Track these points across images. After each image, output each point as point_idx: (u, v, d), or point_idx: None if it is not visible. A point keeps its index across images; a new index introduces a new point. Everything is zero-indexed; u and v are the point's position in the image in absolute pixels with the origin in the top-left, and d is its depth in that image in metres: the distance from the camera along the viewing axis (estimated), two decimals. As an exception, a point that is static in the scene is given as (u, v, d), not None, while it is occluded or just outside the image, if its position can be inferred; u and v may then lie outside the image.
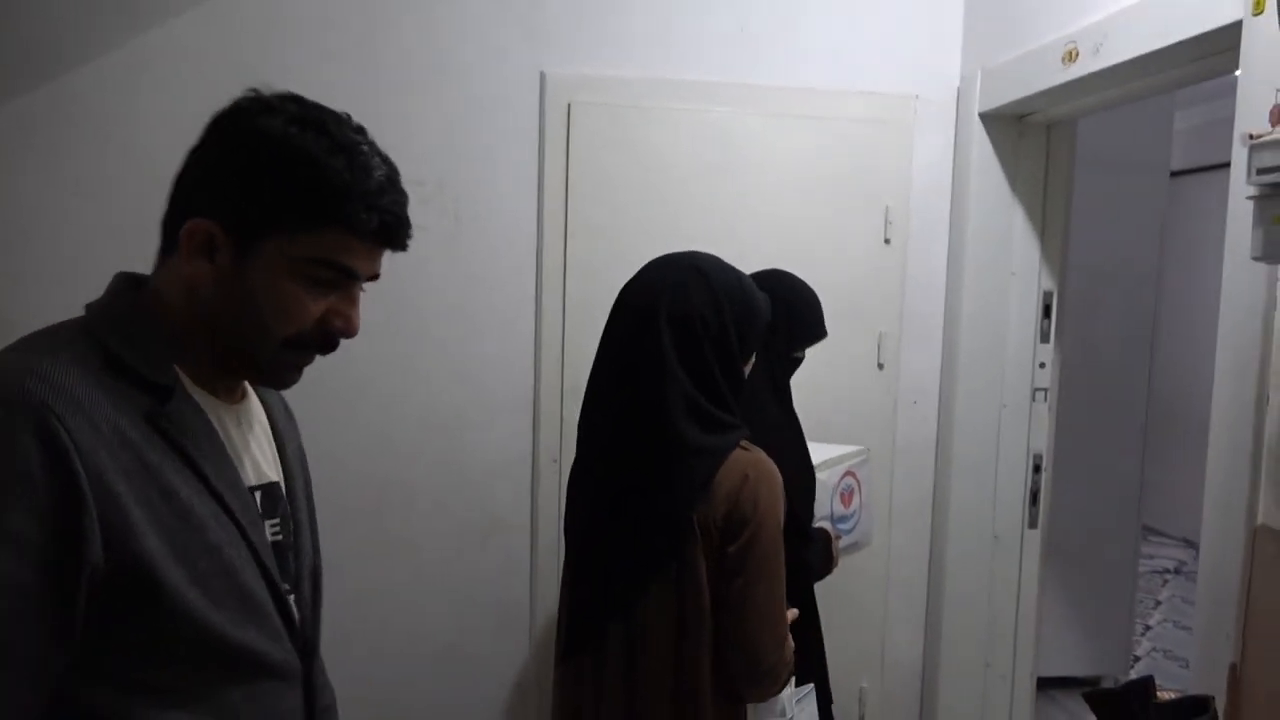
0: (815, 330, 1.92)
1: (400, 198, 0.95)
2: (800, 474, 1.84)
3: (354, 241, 0.91)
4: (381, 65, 2.27)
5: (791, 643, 1.48)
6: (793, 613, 1.57)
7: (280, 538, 1.01)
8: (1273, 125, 1.33)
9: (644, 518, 1.40)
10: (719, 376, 1.40)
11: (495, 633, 2.46)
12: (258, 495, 0.98)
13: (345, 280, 0.94)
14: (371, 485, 2.36)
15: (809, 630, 1.92)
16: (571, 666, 1.52)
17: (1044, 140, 2.48)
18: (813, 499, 1.90)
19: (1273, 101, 1.37)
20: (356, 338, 1.01)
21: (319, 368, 2.45)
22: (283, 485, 1.05)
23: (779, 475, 1.43)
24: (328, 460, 2.31)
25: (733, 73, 2.44)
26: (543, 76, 2.35)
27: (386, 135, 2.38)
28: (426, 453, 2.38)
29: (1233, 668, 1.53)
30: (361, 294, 0.98)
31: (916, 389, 2.60)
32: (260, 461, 1.01)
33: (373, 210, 0.90)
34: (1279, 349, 1.46)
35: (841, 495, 2.08)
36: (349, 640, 2.37)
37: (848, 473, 2.09)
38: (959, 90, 2.53)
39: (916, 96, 2.53)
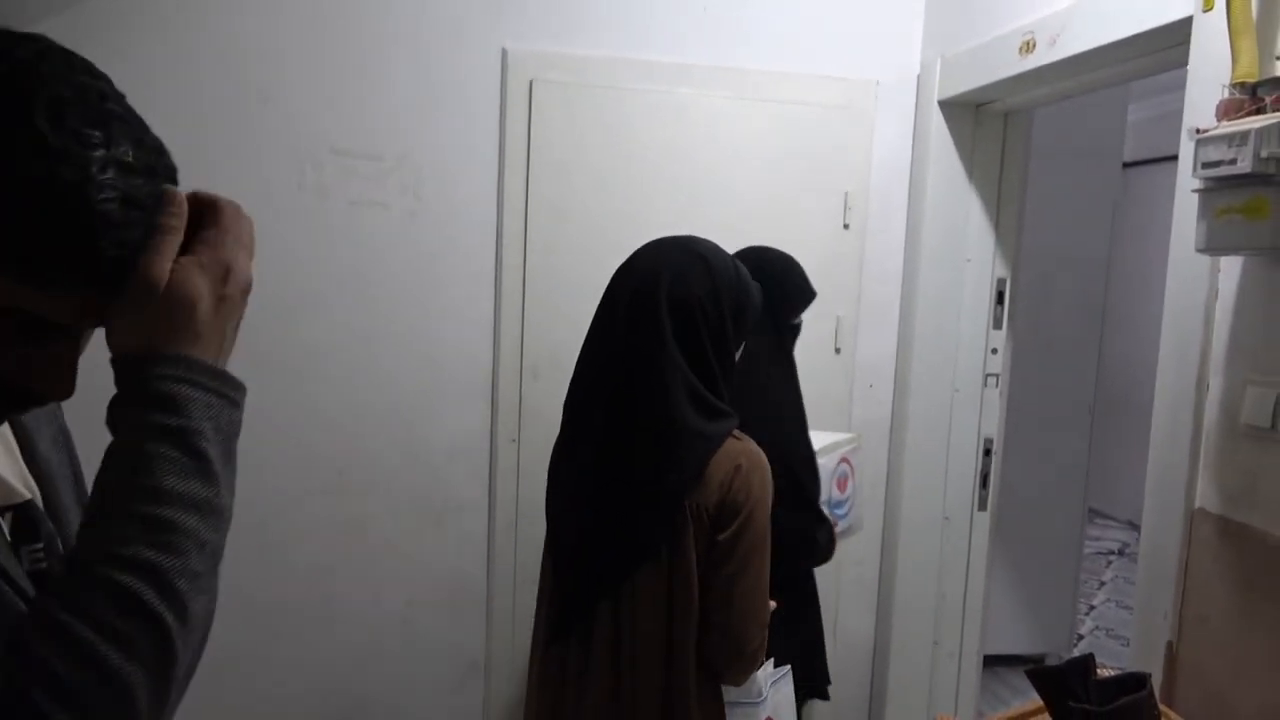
0: (806, 293, 1.96)
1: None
2: (804, 447, 1.88)
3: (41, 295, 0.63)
4: (340, 38, 2.23)
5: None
6: (771, 604, 1.57)
7: (44, 565, 0.77)
8: (1219, 120, 1.36)
9: (637, 502, 1.39)
10: (714, 363, 1.41)
11: (451, 612, 2.45)
12: (5, 520, 0.76)
13: (38, 332, 0.65)
14: (327, 464, 2.34)
15: (809, 613, 1.97)
16: (555, 653, 1.51)
17: (1001, 129, 2.51)
18: (815, 468, 1.92)
19: (1220, 97, 1.40)
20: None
21: (274, 345, 2.44)
22: (40, 502, 0.80)
23: (768, 465, 1.44)
24: (282, 438, 2.31)
25: (696, 54, 2.43)
26: (505, 53, 2.32)
27: (346, 110, 2.37)
28: (383, 431, 2.37)
29: (1169, 646, 1.58)
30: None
31: (873, 373, 2.64)
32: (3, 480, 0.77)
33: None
34: (1219, 338, 1.51)
35: (838, 481, 2.11)
36: (302, 619, 2.36)
37: (843, 459, 2.12)
38: (919, 77, 2.55)
39: (877, 82, 2.54)
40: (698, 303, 1.39)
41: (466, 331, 2.39)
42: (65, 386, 0.69)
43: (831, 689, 2.07)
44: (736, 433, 1.43)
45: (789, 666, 1.72)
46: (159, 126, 0.71)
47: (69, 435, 0.89)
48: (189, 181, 0.73)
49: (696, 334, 1.38)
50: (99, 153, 0.61)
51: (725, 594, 1.38)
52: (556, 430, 1.55)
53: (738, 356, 1.51)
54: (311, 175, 2.26)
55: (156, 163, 0.68)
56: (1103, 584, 4.86)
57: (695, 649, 1.40)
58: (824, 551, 1.96)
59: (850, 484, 2.14)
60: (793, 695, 1.71)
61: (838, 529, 2.06)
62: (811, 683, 1.99)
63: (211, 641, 0.71)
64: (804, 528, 1.88)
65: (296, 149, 2.24)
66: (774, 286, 1.81)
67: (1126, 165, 3.87)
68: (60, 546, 0.80)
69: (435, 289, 2.36)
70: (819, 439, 2.09)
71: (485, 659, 2.48)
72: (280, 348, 2.27)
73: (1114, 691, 1.33)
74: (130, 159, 0.64)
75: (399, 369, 2.36)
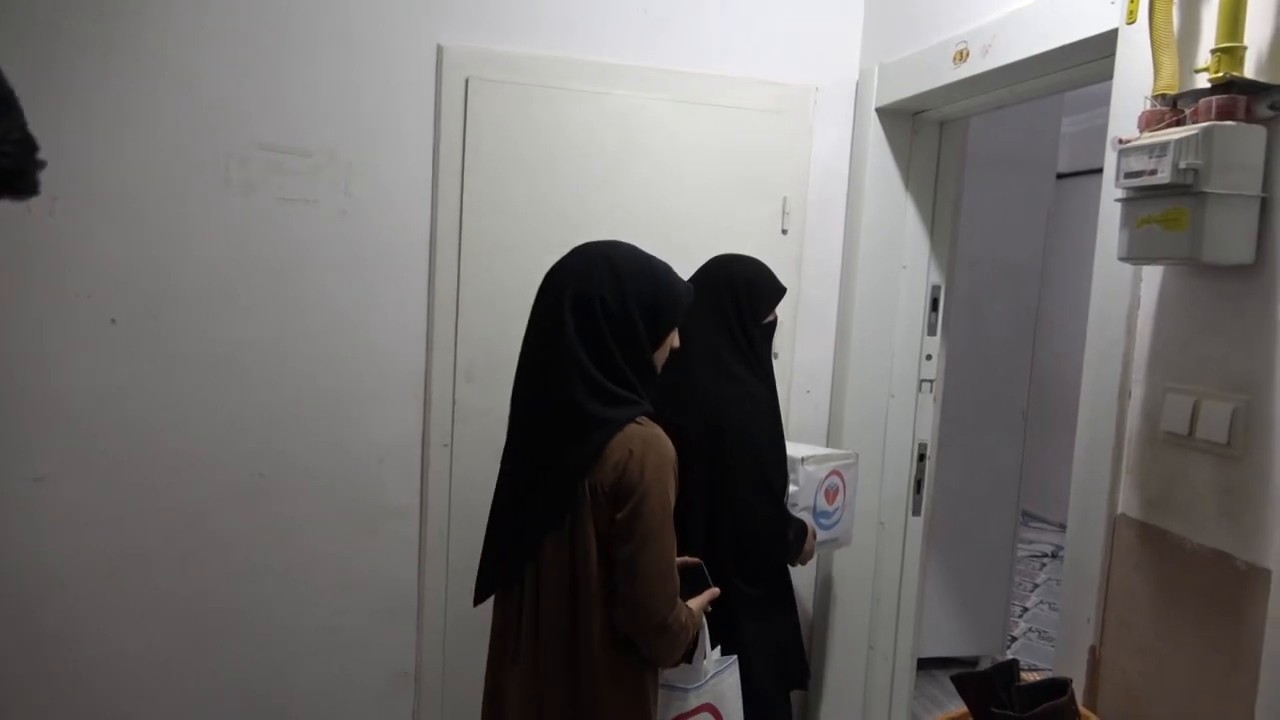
0: (775, 292, 2.06)
1: None
2: (775, 444, 1.99)
3: None
4: (268, 28, 2.17)
5: (687, 606, 1.57)
6: (714, 591, 1.70)
7: None
8: (1141, 131, 1.38)
9: (543, 481, 1.51)
10: (618, 356, 1.50)
11: (380, 619, 2.40)
12: None
13: None
14: (254, 465, 2.27)
15: (783, 607, 2.03)
16: (497, 620, 1.64)
17: (936, 137, 2.54)
18: (784, 465, 2.02)
19: (1142, 108, 1.42)
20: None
21: (198, 344, 2.37)
22: None
23: (670, 450, 1.54)
24: (209, 438, 2.23)
25: (635, 55, 2.41)
26: (440, 50, 2.28)
27: (273, 103, 2.31)
28: (313, 433, 2.30)
29: (1092, 650, 1.60)
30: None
31: (810, 378, 2.64)
32: None
33: None
34: (1141, 346, 1.53)
35: (826, 492, 2.20)
36: (226, 623, 2.29)
37: (834, 472, 2.19)
38: (857, 84, 2.56)
39: (816, 88, 2.55)
40: (598, 299, 1.49)
41: (398, 332, 2.34)
42: None
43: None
44: (642, 419, 1.52)
45: (734, 657, 1.80)
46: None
47: None
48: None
49: (598, 330, 1.49)
50: None
51: (629, 568, 1.47)
52: (491, 434, 1.69)
53: (665, 349, 1.61)
54: (236, 170, 2.18)
55: None
56: (1036, 586, 4.96)
57: (606, 622, 1.50)
58: (794, 549, 2.03)
59: (840, 497, 2.21)
60: (739, 685, 1.79)
61: (819, 538, 2.11)
62: (789, 675, 2.04)
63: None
64: (772, 521, 1.95)
65: (221, 143, 2.17)
66: (742, 290, 1.98)
67: (1060, 176, 3.95)
68: None
69: (366, 288, 2.30)
70: (814, 449, 2.19)
71: (416, 668, 2.43)
72: (204, 347, 2.20)
73: (1037, 697, 1.34)
74: None
75: (327, 370, 2.30)
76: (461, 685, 2.39)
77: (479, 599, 1.64)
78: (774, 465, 1.98)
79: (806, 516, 2.12)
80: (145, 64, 2.10)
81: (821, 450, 2.21)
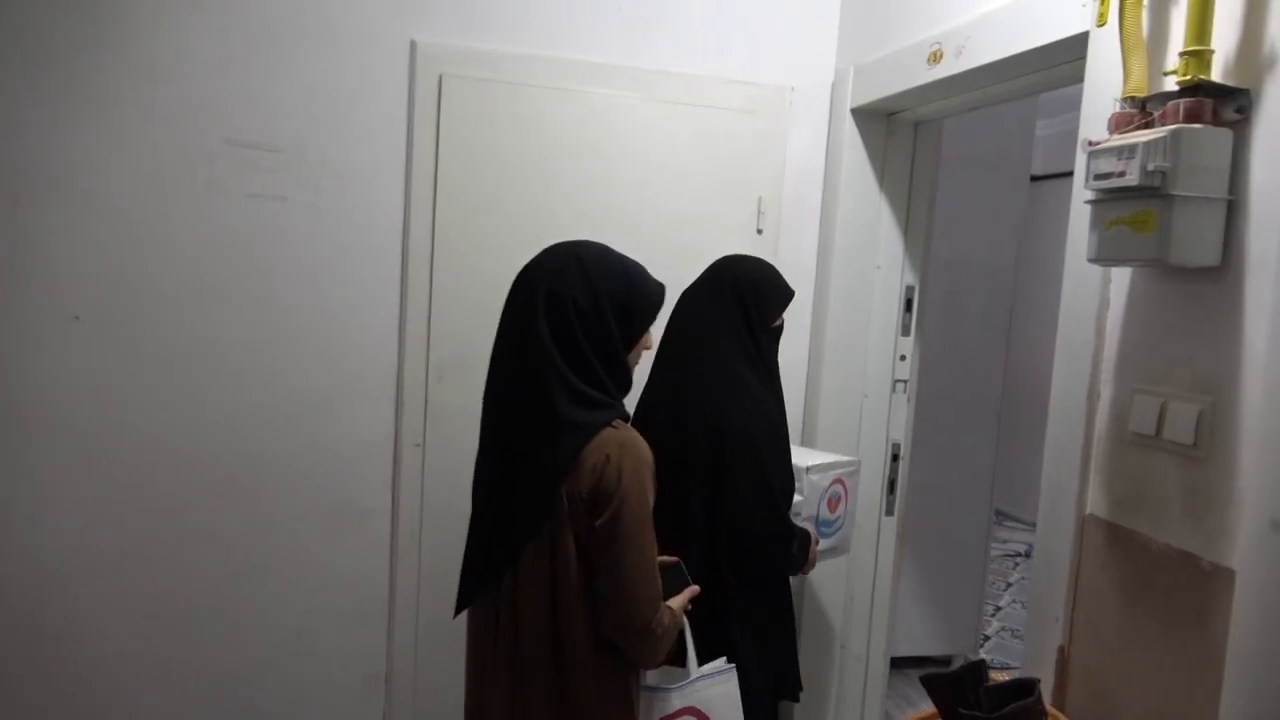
0: (783, 295, 2.03)
1: None
2: (775, 450, 1.95)
3: None
4: (239, 21, 2.14)
5: (669, 607, 1.55)
6: (693, 588, 1.67)
7: None
8: (1110, 133, 1.39)
9: (518, 488, 1.49)
10: (592, 357, 1.48)
11: (351, 621, 2.37)
12: None
13: None
14: (222, 465, 2.24)
15: (780, 616, 2.01)
16: (474, 631, 1.62)
17: (911, 138, 2.54)
18: (788, 471, 2.00)
19: (1112, 110, 1.42)
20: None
21: (165, 343, 2.34)
22: None
23: (648, 454, 1.52)
24: (177, 438, 2.20)
25: (611, 54, 2.40)
26: (413, 46, 2.26)
27: (242, 98, 2.27)
28: (283, 433, 2.27)
29: (1061, 650, 1.61)
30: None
31: (786, 378, 2.59)
32: None
33: None
34: (1110, 347, 1.54)
35: (829, 501, 2.18)
36: (196, 623, 2.26)
37: (837, 480, 2.18)
38: (833, 85, 2.57)
39: (792, 88, 2.55)
40: (571, 300, 1.47)
41: (370, 331, 2.31)
42: None
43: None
44: (617, 423, 1.51)
45: (733, 666, 1.78)
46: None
47: None
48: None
49: (571, 332, 1.47)
50: None
51: (610, 574, 1.46)
52: (463, 434, 1.66)
53: (639, 350, 1.60)
54: (204, 166, 2.15)
55: None
56: (1009, 585, 4.99)
57: (589, 625, 1.48)
58: (798, 559, 2.02)
59: (842, 506, 2.20)
60: (736, 695, 1.77)
61: (821, 546, 2.11)
62: (781, 685, 2.02)
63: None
64: (773, 527, 1.93)
65: (188, 138, 2.13)
66: (749, 294, 1.95)
67: (1034, 179, 3.97)
68: None
69: (337, 286, 2.28)
70: (818, 457, 2.19)
71: (387, 669, 2.40)
72: (172, 345, 2.17)
73: (1005, 697, 1.34)
74: None
75: (298, 369, 2.27)
76: (433, 687, 2.38)
77: (460, 609, 1.61)
78: (776, 470, 1.95)
79: (809, 526, 2.11)
80: (111, 58, 2.07)
81: (826, 458, 2.18)
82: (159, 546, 2.21)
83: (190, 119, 2.13)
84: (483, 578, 1.55)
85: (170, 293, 2.15)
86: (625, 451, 1.47)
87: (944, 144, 2.66)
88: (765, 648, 1.96)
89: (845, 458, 2.27)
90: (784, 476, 1.99)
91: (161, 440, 2.19)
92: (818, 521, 2.15)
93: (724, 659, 1.75)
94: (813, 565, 2.10)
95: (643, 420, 2.00)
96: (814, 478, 2.12)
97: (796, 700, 2.08)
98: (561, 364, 1.46)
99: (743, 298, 1.96)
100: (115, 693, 2.20)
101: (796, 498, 2.08)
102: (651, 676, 1.67)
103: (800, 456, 2.18)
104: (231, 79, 2.15)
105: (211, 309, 2.19)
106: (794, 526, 2.02)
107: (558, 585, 1.47)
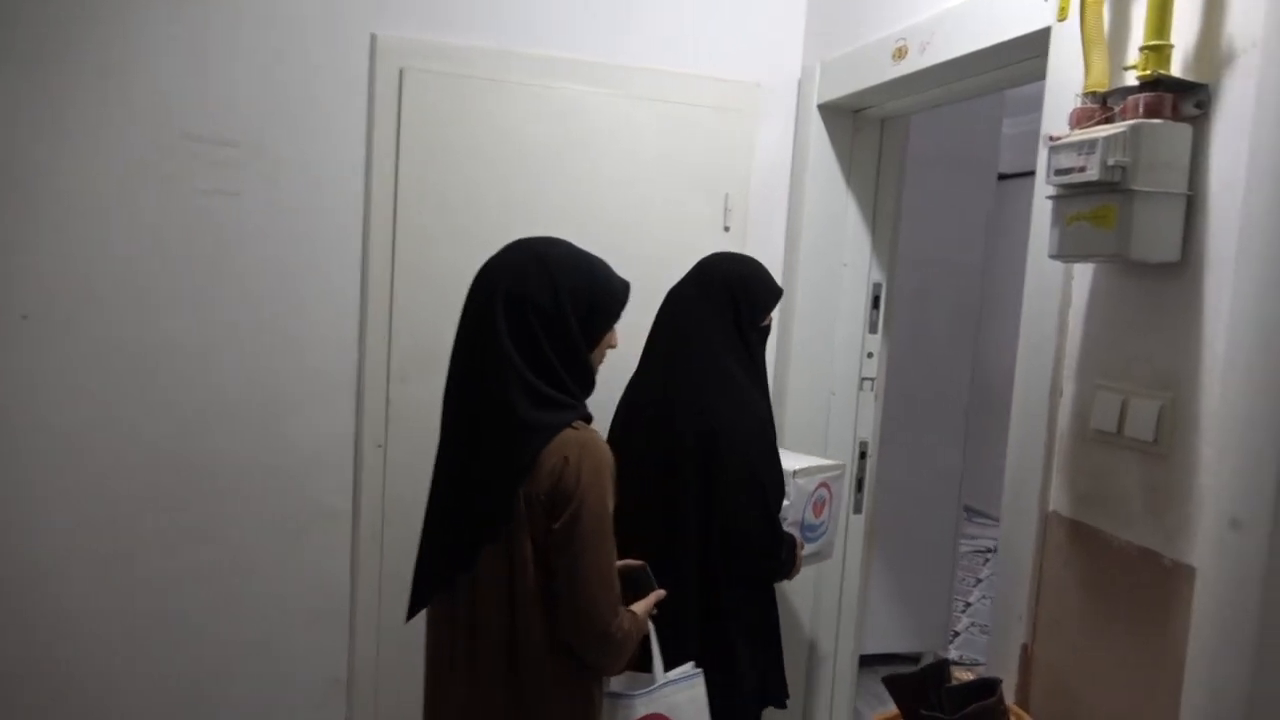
0: (772, 295, 2.01)
1: None
2: (766, 454, 1.93)
3: None
4: (195, 14, 2.09)
5: (630, 611, 1.53)
6: (659, 592, 1.65)
7: None
8: (1071, 128, 1.38)
9: (475, 490, 1.46)
10: (552, 357, 1.45)
11: (312, 627, 2.33)
12: None
13: None
14: (176, 468, 2.19)
15: (764, 622, 1.99)
16: (430, 637, 1.58)
17: (878, 135, 2.53)
18: (778, 473, 1.96)
19: (1073, 105, 1.42)
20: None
21: (119, 342, 2.28)
22: None
23: (608, 456, 1.48)
24: (127, 440, 2.15)
25: (577, 49, 2.37)
26: (374, 39, 2.22)
27: (200, 91, 2.21)
28: (241, 434, 2.23)
29: (1024, 648, 1.60)
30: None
31: (752, 376, 2.62)
32: None
33: None
34: (1072, 344, 1.53)
35: (814, 505, 2.15)
36: (148, 634, 2.20)
37: (822, 484, 2.16)
38: (800, 81, 2.55)
39: (759, 85, 2.54)
40: (530, 299, 1.43)
41: (329, 329, 2.27)
42: None
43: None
44: (578, 424, 1.47)
45: (700, 671, 1.76)
46: None
47: None
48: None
49: (530, 331, 1.43)
50: None
51: (568, 578, 1.43)
52: (425, 435, 1.61)
53: (603, 350, 1.56)
54: (157, 161, 2.10)
55: None
56: (979, 581, 5.02)
57: (547, 629, 1.45)
58: (783, 566, 1.99)
59: (826, 510, 2.18)
60: (704, 700, 1.74)
61: (804, 551, 2.08)
62: (768, 692, 1.99)
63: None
64: (764, 531, 1.91)
65: (140, 132, 2.08)
66: (739, 292, 1.93)
67: (1002, 177, 3.98)
68: None
69: (295, 284, 2.23)
70: (803, 460, 2.16)
71: (349, 675, 2.36)
72: (126, 344, 2.12)
73: (967, 698, 1.33)
74: None
75: (256, 368, 2.22)
76: (395, 692, 2.33)
77: (412, 613, 1.58)
78: (767, 471, 1.92)
79: (795, 531, 2.08)
80: (59, 49, 2.01)
81: (812, 461, 2.16)
82: (114, 549, 2.15)
83: (145, 114, 2.08)
84: (437, 580, 1.52)
85: (121, 290, 2.10)
86: (584, 453, 1.44)
87: (912, 142, 2.66)
88: (757, 653, 1.94)
89: (830, 461, 2.24)
90: (774, 477, 1.96)
91: (115, 441, 2.13)
92: (803, 526, 2.12)
93: (690, 664, 1.72)
94: (797, 570, 2.07)
95: (629, 419, 1.99)
96: (801, 482, 2.09)
97: (783, 707, 2.04)
98: (520, 364, 1.42)
99: (733, 296, 1.94)
100: (68, 698, 2.14)
101: (785, 502, 2.05)
102: (616, 682, 1.64)
103: (786, 460, 2.15)
104: (187, 72, 2.10)
105: (166, 307, 2.13)
106: (784, 535, 1.99)
107: (515, 588, 1.44)
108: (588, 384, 1.53)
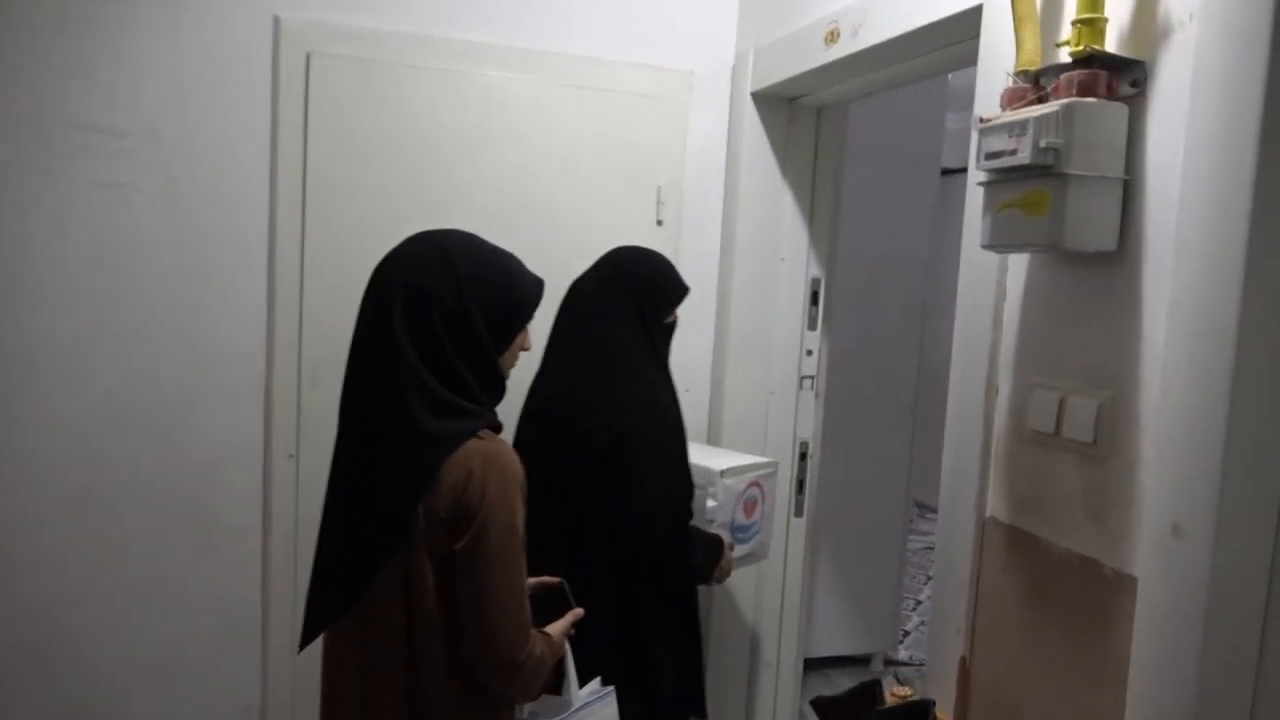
0: (678, 291, 1.95)
1: None
2: (679, 457, 1.86)
3: None
4: (75, -7, 1.94)
5: (544, 634, 1.42)
6: (577, 612, 1.53)
7: None
8: (1003, 109, 1.30)
9: (370, 507, 1.34)
10: (456, 360, 1.33)
11: (221, 647, 2.18)
12: None
13: None
14: (71, 479, 2.04)
15: (685, 631, 1.91)
16: (328, 661, 1.47)
17: (814, 124, 2.45)
18: (688, 475, 1.88)
19: (1005, 85, 1.33)
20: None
21: (7, 345, 2.08)
22: None
23: (516, 467, 1.36)
24: (14, 450, 1.98)
25: (499, 34, 2.25)
26: (277, 21, 2.08)
27: (88, 76, 2.02)
28: (141, 442, 2.08)
29: (963, 661, 1.52)
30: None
31: (689, 376, 2.51)
32: None
33: None
34: (1007, 340, 1.45)
35: (745, 505, 2.06)
36: (41, 660, 2.05)
37: (753, 483, 2.07)
38: (733, 68, 2.46)
39: (692, 72, 2.44)
40: (433, 296, 1.31)
41: (235, 331, 2.13)
42: None
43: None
44: (484, 433, 1.35)
45: (612, 687, 1.65)
46: None
47: None
48: None
49: (431, 330, 1.31)
50: None
51: (473, 602, 1.31)
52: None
53: (514, 351, 1.45)
54: (40, 152, 1.94)
55: None
56: (929, 578, 4.98)
57: (447, 655, 1.33)
58: (704, 569, 1.92)
59: (759, 509, 2.11)
60: (616, 716, 1.63)
61: (736, 553, 2.01)
62: (684, 703, 1.92)
63: None
64: (675, 536, 1.83)
65: (21, 120, 1.92)
66: (644, 288, 1.87)
67: (945, 172, 3.93)
68: None
69: (197, 283, 2.09)
70: (731, 458, 2.07)
71: (262, 699, 2.22)
72: (10, 348, 1.96)
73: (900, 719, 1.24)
74: None
75: (155, 372, 2.08)
76: (312, 718, 2.20)
77: (305, 642, 1.45)
78: (680, 475, 1.85)
79: (724, 532, 2.00)
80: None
81: (741, 459, 2.07)
82: (5, 564, 2.00)
83: (22, 98, 1.92)
84: (331, 607, 1.39)
85: (9, 290, 1.94)
86: (490, 465, 1.31)
87: (853, 137, 2.57)
88: (674, 663, 1.87)
89: (762, 459, 2.16)
90: (686, 482, 1.89)
91: (7, 449, 1.97)
92: (733, 527, 2.04)
93: (598, 680, 1.61)
94: (727, 573, 1.99)
95: (538, 417, 1.89)
96: (729, 481, 2.01)
97: (703, 718, 1.97)
98: (420, 367, 1.30)
99: (636, 291, 1.87)
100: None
101: (710, 503, 1.97)
102: (527, 708, 1.52)
103: (713, 458, 2.06)
104: (72, 55, 1.95)
105: (54, 309, 1.98)
106: (694, 534, 1.91)
107: (414, 613, 1.32)
108: (496, 389, 1.41)
